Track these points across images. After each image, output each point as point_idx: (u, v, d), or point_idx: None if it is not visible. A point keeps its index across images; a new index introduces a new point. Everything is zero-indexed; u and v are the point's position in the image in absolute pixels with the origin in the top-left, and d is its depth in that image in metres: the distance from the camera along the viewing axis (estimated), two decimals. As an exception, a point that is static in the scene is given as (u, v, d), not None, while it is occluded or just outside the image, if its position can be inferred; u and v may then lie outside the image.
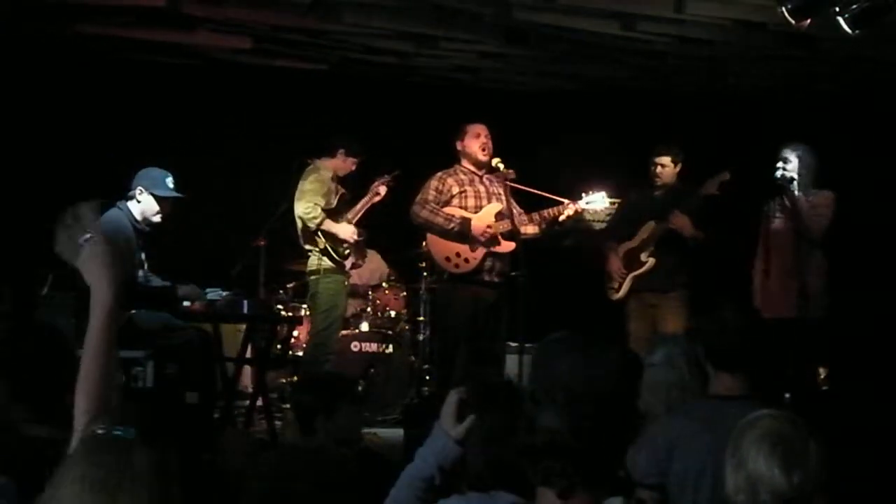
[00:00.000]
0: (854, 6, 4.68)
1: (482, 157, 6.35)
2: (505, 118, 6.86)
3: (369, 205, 6.92)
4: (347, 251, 6.84)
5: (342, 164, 6.89)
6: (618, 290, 6.60)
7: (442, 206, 6.33)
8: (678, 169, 6.60)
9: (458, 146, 6.42)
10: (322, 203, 6.72)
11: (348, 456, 3.66)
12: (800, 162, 6.16)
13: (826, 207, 6.12)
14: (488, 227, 6.24)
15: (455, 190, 6.35)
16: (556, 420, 1.89)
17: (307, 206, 6.69)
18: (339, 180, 6.92)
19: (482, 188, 6.39)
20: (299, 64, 7.68)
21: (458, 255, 6.30)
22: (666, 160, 6.59)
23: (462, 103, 7.59)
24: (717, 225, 6.46)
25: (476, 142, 6.35)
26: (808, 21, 4.89)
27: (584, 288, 6.94)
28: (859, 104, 7.68)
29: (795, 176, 6.10)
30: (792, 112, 7.70)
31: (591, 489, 1.90)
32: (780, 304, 5.93)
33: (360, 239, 6.88)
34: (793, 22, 4.86)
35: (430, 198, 6.35)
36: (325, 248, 6.76)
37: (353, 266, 7.00)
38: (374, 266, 7.87)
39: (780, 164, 6.19)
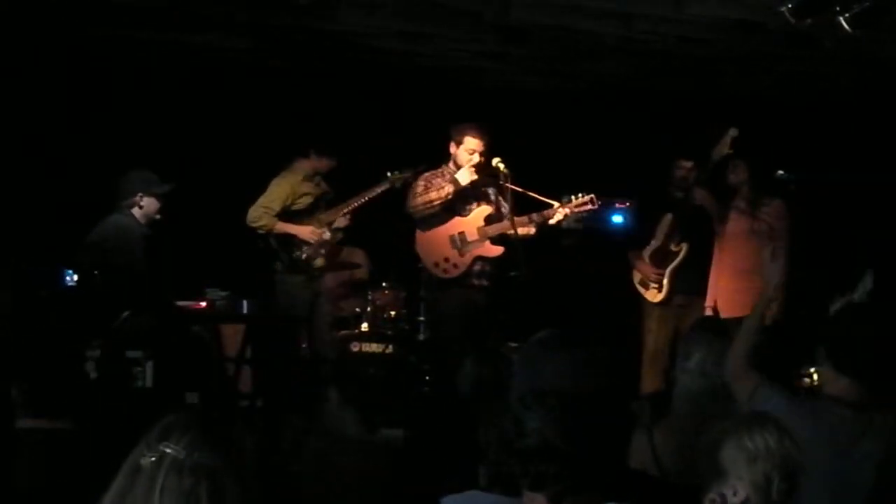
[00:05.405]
0: (855, 6, 4.67)
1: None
2: (505, 118, 6.84)
3: (364, 200, 6.84)
4: (304, 254, 6.76)
5: (316, 163, 6.85)
6: (660, 290, 6.53)
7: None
8: (695, 174, 6.58)
9: (452, 150, 6.39)
10: (277, 207, 6.68)
11: None
12: (750, 167, 6.24)
13: (781, 218, 6.17)
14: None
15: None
16: (545, 423, 1.83)
17: (254, 213, 6.68)
18: (325, 178, 6.88)
19: (469, 189, 6.37)
20: (299, 64, 7.66)
21: (446, 260, 6.32)
22: (689, 164, 6.59)
23: (462, 103, 7.57)
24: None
25: (468, 158, 6.29)
26: (809, 21, 4.89)
27: (584, 287, 6.94)
28: (859, 104, 7.67)
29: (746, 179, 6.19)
30: (792, 112, 7.69)
31: (582, 493, 1.85)
32: (737, 304, 5.94)
33: (326, 239, 6.79)
34: (793, 21, 4.85)
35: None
36: (276, 250, 6.73)
37: (323, 268, 6.91)
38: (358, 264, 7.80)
39: (730, 169, 6.27)
